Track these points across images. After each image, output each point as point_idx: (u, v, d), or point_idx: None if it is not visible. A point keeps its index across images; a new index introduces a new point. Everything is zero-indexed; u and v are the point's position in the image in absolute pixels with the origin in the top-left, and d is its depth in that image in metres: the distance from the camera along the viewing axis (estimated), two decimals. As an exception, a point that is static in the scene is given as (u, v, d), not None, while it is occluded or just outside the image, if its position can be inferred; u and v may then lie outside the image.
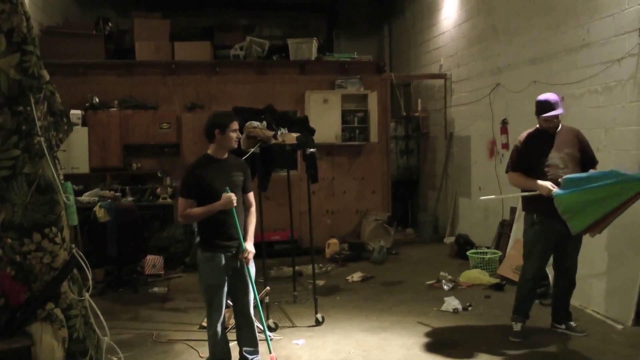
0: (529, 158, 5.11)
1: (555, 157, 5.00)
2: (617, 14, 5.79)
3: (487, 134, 8.48)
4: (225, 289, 4.33)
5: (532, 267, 5.20)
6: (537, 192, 4.90)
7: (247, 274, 4.37)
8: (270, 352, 4.51)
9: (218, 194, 4.19)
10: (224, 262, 4.25)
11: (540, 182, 4.91)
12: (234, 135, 4.29)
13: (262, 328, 4.70)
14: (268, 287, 5.59)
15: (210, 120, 4.36)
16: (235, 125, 4.30)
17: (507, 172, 5.30)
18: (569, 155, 5.01)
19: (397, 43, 12.66)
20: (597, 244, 5.78)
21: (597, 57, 6.08)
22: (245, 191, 4.45)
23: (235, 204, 4.21)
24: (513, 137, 7.40)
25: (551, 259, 5.31)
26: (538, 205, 4.97)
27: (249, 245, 4.35)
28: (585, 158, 5.08)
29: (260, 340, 4.60)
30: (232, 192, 4.22)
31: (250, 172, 4.59)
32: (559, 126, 5.10)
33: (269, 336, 4.73)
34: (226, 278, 4.30)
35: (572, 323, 5.27)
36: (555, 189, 4.77)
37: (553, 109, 4.98)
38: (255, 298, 4.49)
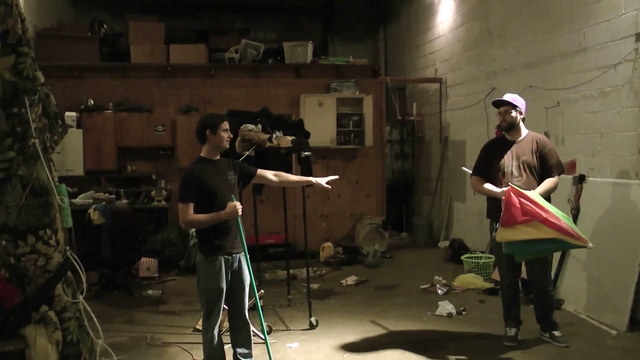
0: (485, 164, 5.12)
1: (511, 164, 4.99)
2: (614, 19, 5.79)
3: (483, 138, 8.44)
4: (225, 292, 4.30)
5: (505, 274, 5.20)
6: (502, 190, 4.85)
7: (245, 276, 4.35)
8: None
9: (217, 195, 4.17)
10: (224, 265, 4.22)
11: (496, 189, 4.91)
12: (225, 135, 4.28)
13: (258, 333, 4.67)
14: (262, 291, 5.59)
15: (201, 121, 4.34)
16: (225, 125, 4.29)
17: (470, 176, 5.32)
18: (525, 163, 4.98)
19: (393, 47, 12.68)
20: (591, 250, 5.78)
21: (593, 62, 6.09)
22: (253, 173, 4.54)
23: (240, 213, 4.20)
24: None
25: None
26: (497, 213, 4.87)
27: (322, 180, 5.06)
28: (543, 167, 5.00)
29: (256, 343, 4.58)
30: (229, 193, 4.21)
31: (240, 162, 4.61)
32: (512, 124, 5.03)
33: (263, 339, 4.71)
34: (225, 281, 4.28)
35: (555, 332, 5.10)
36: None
37: (499, 104, 5.03)
38: (256, 302, 4.48)
